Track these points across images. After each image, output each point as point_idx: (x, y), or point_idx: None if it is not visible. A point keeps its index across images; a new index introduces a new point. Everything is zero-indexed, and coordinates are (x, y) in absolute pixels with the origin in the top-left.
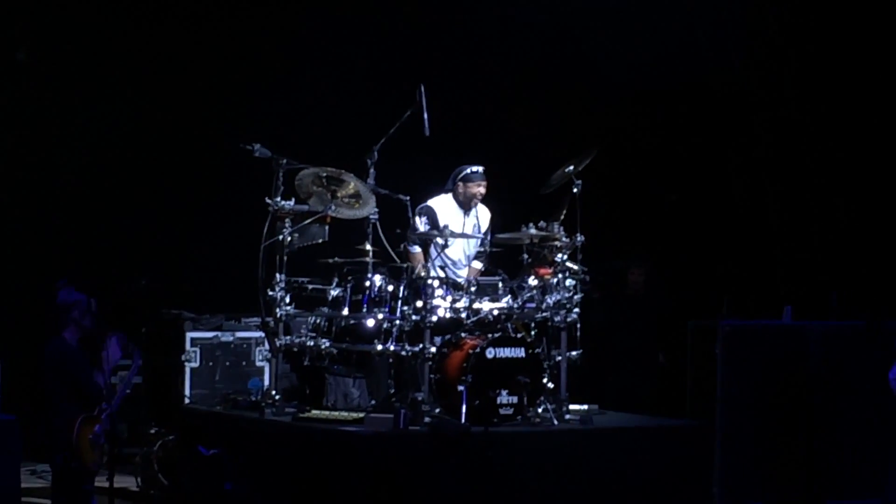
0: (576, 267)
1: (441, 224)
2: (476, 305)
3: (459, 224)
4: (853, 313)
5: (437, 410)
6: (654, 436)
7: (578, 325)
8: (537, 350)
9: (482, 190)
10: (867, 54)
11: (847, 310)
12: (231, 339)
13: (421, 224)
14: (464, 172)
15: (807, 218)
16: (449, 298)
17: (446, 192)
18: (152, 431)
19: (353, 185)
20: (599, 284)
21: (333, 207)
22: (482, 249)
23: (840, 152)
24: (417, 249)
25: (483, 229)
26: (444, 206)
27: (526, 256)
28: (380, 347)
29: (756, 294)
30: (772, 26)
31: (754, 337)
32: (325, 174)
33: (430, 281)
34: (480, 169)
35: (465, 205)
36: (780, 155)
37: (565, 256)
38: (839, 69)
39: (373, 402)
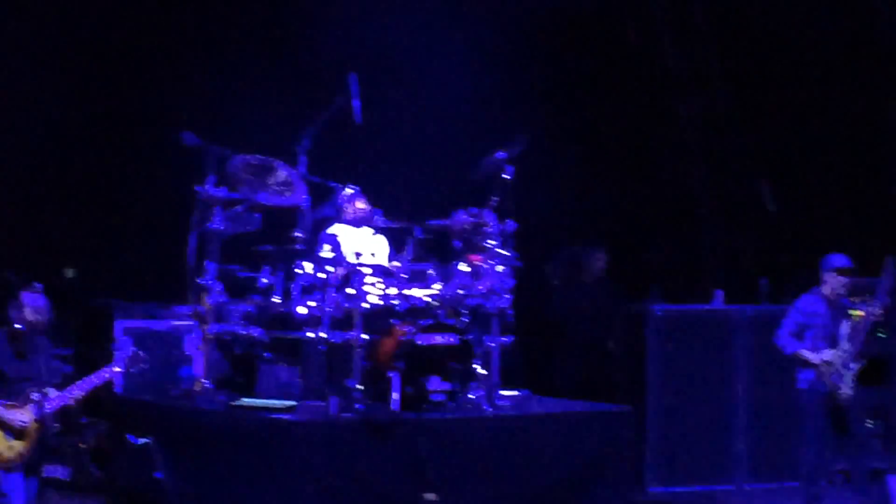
0: (507, 253)
1: (343, 249)
2: (407, 292)
3: (361, 243)
4: (782, 298)
5: (369, 397)
6: (584, 421)
7: (510, 312)
8: (469, 336)
9: (363, 205)
10: (792, 40)
11: (776, 295)
12: (162, 328)
13: (326, 251)
14: (342, 195)
15: (736, 204)
16: (380, 286)
17: (338, 222)
18: (83, 421)
19: (283, 172)
20: (558, 271)
21: (264, 195)
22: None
23: (767, 139)
24: None
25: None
26: (342, 231)
27: (457, 243)
28: (311, 335)
29: (686, 279)
30: (698, 12)
31: (684, 322)
32: (255, 162)
33: (360, 268)
34: (354, 189)
35: (357, 223)
36: (709, 141)
37: (497, 243)
38: (766, 54)
39: (305, 389)
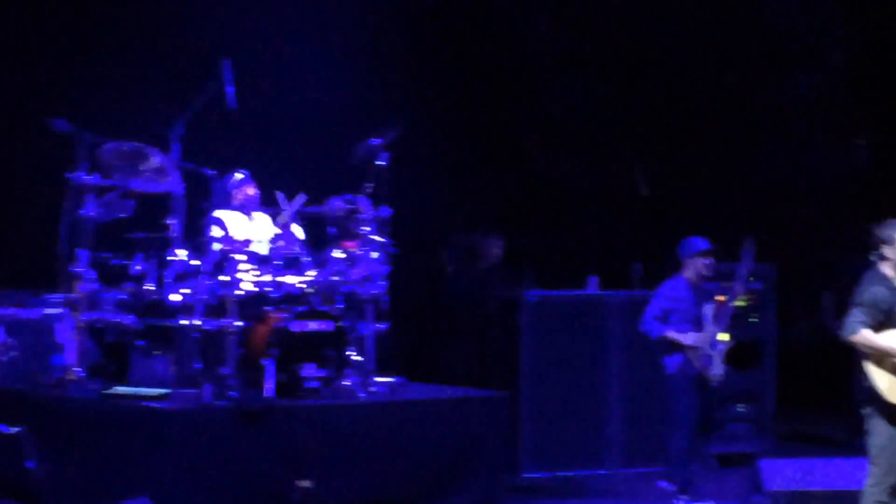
0: (382, 240)
1: (231, 234)
2: (281, 279)
3: (249, 228)
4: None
5: (243, 385)
6: (459, 407)
7: (385, 298)
8: (343, 323)
9: (253, 191)
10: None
11: (650, 280)
12: (33, 315)
13: (216, 230)
14: (231, 180)
15: (610, 189)
16: (254, 272)
17: (226, 207)
18: None
19: (156, 159)
20: (453, 257)
21: (137, 182)
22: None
23: (640, 124)
24: None
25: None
26: (229, 217)
27: (332, 230)
28: (185, 323)
29: (560, 265)
30: None
31: (558, 308)
32: (127, 149)
33: (234, 255)
34: (244, 174)
35: (246, 209)
36: (582, 127)
37: (371, 229)
38: (638, 40)
39: (178, 377)
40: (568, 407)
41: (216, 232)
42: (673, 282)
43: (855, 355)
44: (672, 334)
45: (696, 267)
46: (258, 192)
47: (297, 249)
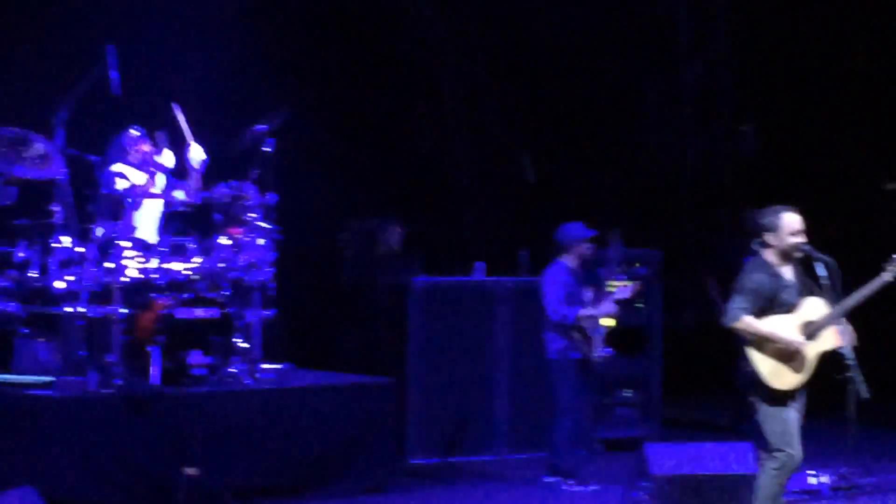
0: (268, 226)
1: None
2: (167, 266)
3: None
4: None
5: (128, 372)
6: (346, 393)
7: (272, 285)
8: (229, 310)
9: (148, 147)
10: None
11: (536, 266)
12: None
13: (121, 182)
14: (128, 136)
15: (496, 175)
16: (139, 259)
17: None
18: None
19: (39, 145)
20: (352, 242)
21: (20, 168)
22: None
23: (527, 111)
24: None
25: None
26: (128, 171)
27: (217, 216)
28: (69, 310)
29: (447, 251)
30: None
31: (446, 294)
32: (9, 135)
33: (119, 242)
34: (140, 131)
35: (142, 166)
36: (469, 113)
37: (257, 216)
38: (525, 26)
39: (63, 365)
40: (455, 393)
41: (121, 184)
42: (556, 267)
43: (738, 341)
44: (587, 311)
45: (577, 252)
46: (154, 149)
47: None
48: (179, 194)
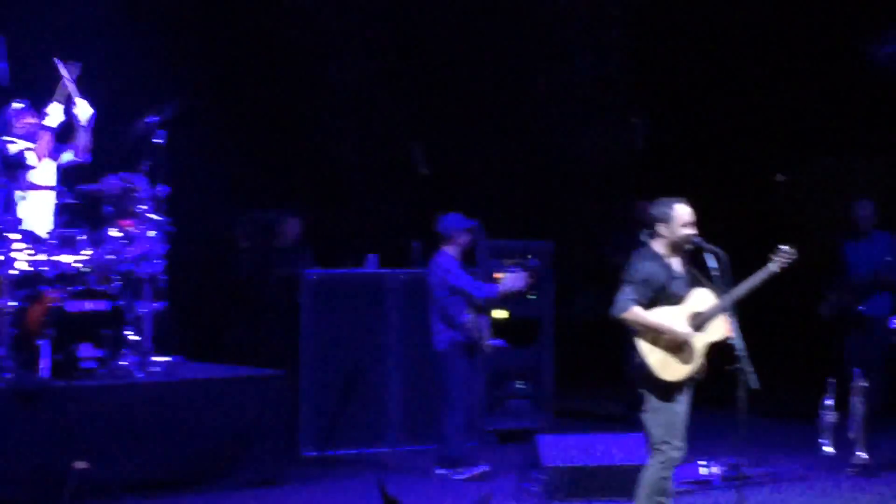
0: (159, 218)
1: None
2: (56, 258)
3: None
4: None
5: (17, 365)
6: (238, 386)
7: (163, 277)
8: (120, 302)
9: (33, 119)
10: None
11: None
12: None
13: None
14: (10, 109)
15: (388, 167)
16: (28, 252)
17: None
18: None
19: None
20: (248, 234)
21: None
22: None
23: (418, 102)
24: None
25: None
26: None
27: (108, 208)
28: None
29: (339, 243)
30: None
31: (338, 286)
32: None
33: (7, 234)
34: (23, 103)
35: (28, 138)
36: (361, 104)
37: (148, 208)
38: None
39: None
40: (348, 385)
41: (13, 148)
42: (443, 257)
43: (627, 333)
44: (507, 285)
45: (457, 243)
46: (39, 121)
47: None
48: (68, 155)
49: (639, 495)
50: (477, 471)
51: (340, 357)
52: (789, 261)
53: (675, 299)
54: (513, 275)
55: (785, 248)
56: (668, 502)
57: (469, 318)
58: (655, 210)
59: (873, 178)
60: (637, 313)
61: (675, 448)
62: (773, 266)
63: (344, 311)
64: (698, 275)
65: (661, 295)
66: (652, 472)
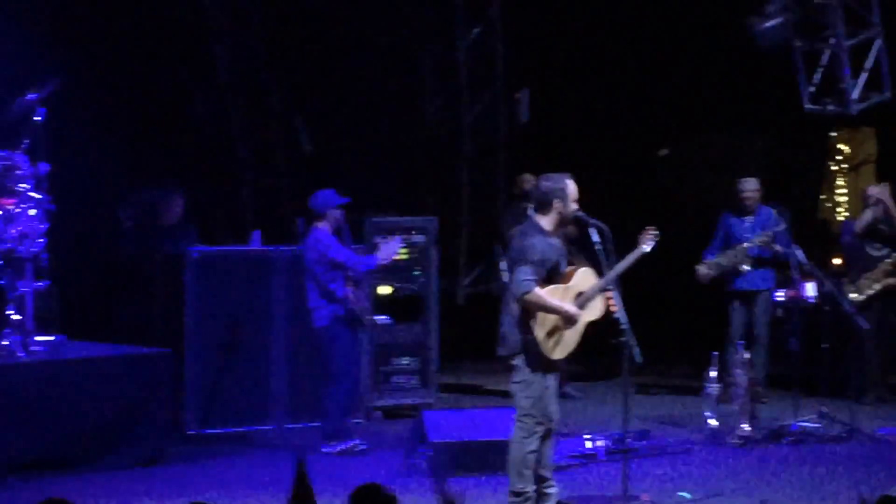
0: (40, 196)
1: None
2: None
3: None
4: None
5: None
6: (121, 365)
7: (45, 256)
8: (1, 282)
9: None
10: None
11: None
12: None
13: None
14: None
15: (272, 144)
16: None
17: None
18: None
19: None
20: (132, 214)
21: None
22: None
23: (303, 79)
24: None
25: None
26: None
27: None
28: None
29: (223, 220)
30: None
31: (222, 263)
32: None
33: None
34: None
35: None
36: (245, 80)
37: (29, 186)
38: None
39: None
40: (233, 363)
41: None
42: (319, 233)
43: (502, 306)
44: (384, 253)
45: (331, 219)
46: None
47: None
48: None
49: (510, 470)
50: (349, 444)
51: (225, 335)
52: (656, 240)
53: (561, 277)
54: (386, 243)
55: (651, 228)
56: (547, 474)
57: (350, 291)
58: (550, 185)
59: (758, 154)
60: (539, 294)
61: (538, 422)
62: (645, 247)
63: (228, 289)
64: (574, 251)
65: (553, 273)
66: (517, 446)
